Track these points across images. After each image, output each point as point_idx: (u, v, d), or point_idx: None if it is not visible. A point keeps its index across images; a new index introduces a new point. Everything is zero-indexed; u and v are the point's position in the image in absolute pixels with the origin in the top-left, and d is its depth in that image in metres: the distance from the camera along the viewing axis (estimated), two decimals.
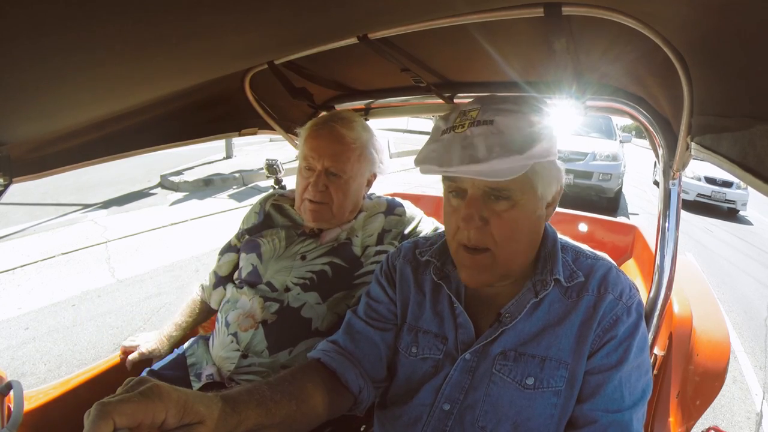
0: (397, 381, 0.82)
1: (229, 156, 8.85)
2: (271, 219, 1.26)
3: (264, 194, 1.36)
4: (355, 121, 1.17)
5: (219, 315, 1.16)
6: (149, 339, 1.25)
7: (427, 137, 0.76)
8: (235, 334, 1.08)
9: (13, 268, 3.77)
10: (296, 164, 1.22)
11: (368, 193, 1.27)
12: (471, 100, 0.76)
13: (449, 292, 0.80)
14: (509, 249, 0.71)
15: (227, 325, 1.10)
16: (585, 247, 0.84)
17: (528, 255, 0.76)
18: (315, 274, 1.11)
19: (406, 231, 1.22)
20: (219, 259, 1.30)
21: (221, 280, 1.28)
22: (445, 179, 0.74)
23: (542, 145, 0.67)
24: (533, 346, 0.72)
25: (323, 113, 1.42)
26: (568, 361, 0.70)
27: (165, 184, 6.94)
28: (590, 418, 0.66)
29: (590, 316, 0.71)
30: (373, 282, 0.92)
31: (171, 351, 1.24)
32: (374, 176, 1.22)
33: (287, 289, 1.10)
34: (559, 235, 0.83)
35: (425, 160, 0.70)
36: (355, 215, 1.20)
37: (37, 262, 3.93)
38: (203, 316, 1.32)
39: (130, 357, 1.21)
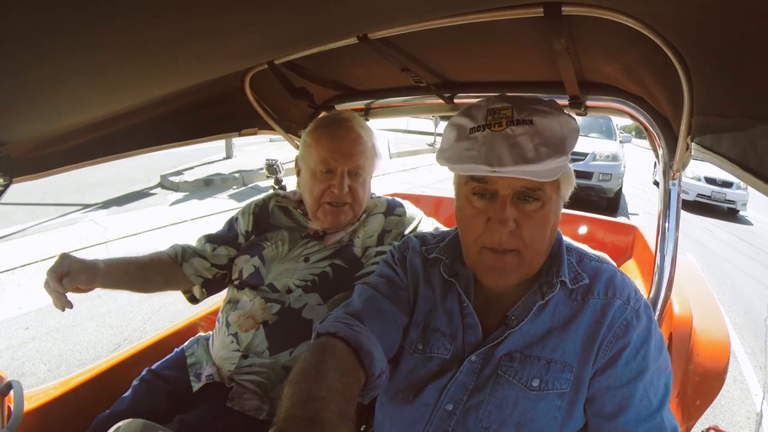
0: (397, 376, 0.80)
1: (229, 156, 8.85)
2: (276, 219, 1.25)
3: (266, 194, 1.35)
4: (360, 119, 1.19)
5: (220, 315, 1.16)
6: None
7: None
8: (235, 335, 1.08)
9: (13, 268, 3.77)
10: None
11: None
12: (483, 98, 0.75)
13: (460, 290, 0.79)
14: (536, 249, 0.71)
15: (228, 325, 1.10)
16: (587, 248, 0.84)
17: (547, 254, 0.76)
18: (317, 276, 1.11)
19: (406, 231, 1.22)
20: (214, 248, 1.21)
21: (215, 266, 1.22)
22: (472, 180, 0.71)
23: (573, 145, 0.70)
24: (539, 348, 0.71)
25: (323, 113, 1.42)
26: (573, 364, 0.69)
27: (165, 184, 6.94)
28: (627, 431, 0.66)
29: (598, 319, 0.70)
30: (385, 268, 0.88)
31: (97, 281, 1.00)
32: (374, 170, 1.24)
33: (289, 291, 1.10)
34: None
35: (465, 160, 0.68)
36: (360, 215, 1.21)
37: (37, 262, 3.93)
38: (160, 273, 1.16)
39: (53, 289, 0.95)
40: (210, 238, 1.25)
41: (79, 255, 1.01)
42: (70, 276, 0.95)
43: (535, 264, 0.74)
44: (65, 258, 0.98)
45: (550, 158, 0.65)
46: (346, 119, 1.14)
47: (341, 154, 1.09)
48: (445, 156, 0.72)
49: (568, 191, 0.76)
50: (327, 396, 0.53)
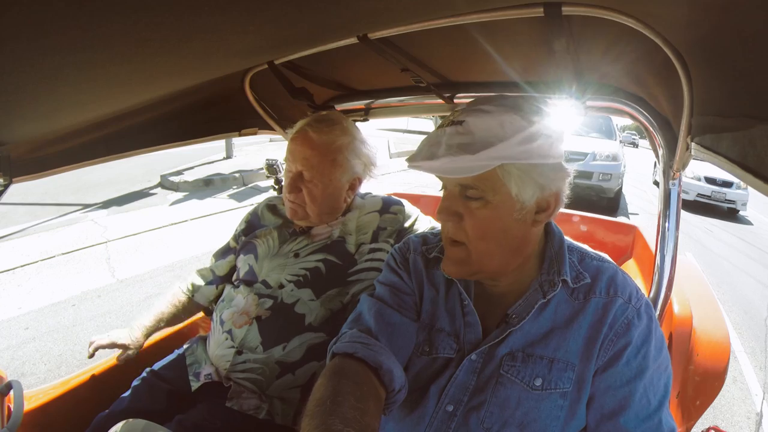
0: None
1: (229, 156, 8.85)
2: (264, 219, 1.28)
3: (259, 202, 1.38)
4: (335, 124, 1.14)
5: (214, 314, 1.17)
6: (120, 335, 1.19)
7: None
8: (229, 332, 1.08)
9: (13, 268, 3.77)
10: None
11: (362, 192, 1.27)
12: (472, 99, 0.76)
13: (461, 289, 0.79)
14: (480, 247, 0.72)
15: (222, 323, 1.11)
16: (588, 248, 0.84)
17: (508, 257, 0.73)
18: (308, 271, 1.11)
19: (403, 227, 1.22)
20: (214, 261, 1.32)
21: (218, 279, 1.29)
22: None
23: (510, 145, 0.66)
24: (541, 347, 0.71)
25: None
26: (576, 363, 0.69)
27: (165, 184, 6.94)
28: (625, 431, 0.66)
29: (600, 318, 0.70)
30: (389, 273, 0.88)
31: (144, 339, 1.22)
32: (359, 180, 1.20)
33: (281, 286, 1.10)
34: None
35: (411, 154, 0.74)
36: (339, 215, 1.20)
37: (37, 262, 3.93)
38: (186, 313, 1.30)
39: (97, 345, 1.16)
40: (215, 254, 1.34)
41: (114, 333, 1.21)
42: (126, 357, 1.19)
43: (484, 263, 0.73)
44: (119, 357, 1.20)
45: (448, 156, 0.66)
46: (308, 124, 1.14)
47: (293, 156, 1.13)
48: None
49: (525, 195, 0.69)
50: (342, 430, 0.54)
